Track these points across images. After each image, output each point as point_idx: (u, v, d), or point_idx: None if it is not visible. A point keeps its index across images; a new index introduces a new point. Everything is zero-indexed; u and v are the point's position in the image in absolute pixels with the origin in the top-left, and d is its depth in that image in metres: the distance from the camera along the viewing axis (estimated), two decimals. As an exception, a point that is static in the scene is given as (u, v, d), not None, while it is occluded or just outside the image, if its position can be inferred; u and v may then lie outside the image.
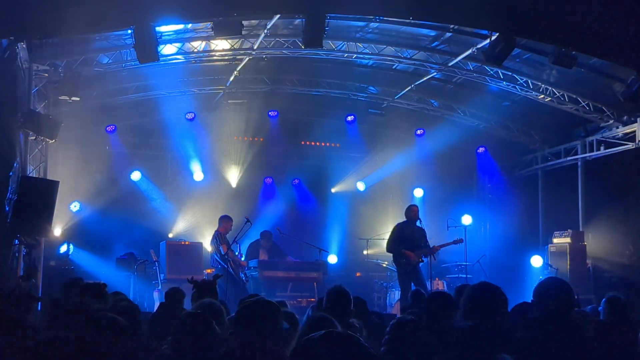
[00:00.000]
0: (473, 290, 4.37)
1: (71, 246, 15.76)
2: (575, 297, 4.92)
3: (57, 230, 15.90)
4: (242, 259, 15.44)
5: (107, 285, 7.27)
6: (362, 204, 19.81)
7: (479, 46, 14.04)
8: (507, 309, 4.27)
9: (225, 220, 15.21)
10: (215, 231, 15.11)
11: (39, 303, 11.02)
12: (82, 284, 7.65)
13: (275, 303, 4.33)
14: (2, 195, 11.12)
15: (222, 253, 14.69)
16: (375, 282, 17.65)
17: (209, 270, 15.55)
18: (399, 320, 5.07)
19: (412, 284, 14.08)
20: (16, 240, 11.60)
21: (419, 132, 19.48)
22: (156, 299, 14.61)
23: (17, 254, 11.88)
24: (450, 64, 15.50)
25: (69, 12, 10.58)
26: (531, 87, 15.79)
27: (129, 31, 12.33)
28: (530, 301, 4.94)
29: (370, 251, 17.71)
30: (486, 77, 15.87)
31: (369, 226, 19.03)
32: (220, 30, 12.49)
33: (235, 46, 14.93)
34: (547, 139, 18.77)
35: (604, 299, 6.66)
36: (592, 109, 16.04)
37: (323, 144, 19.93)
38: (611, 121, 16.13)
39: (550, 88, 15.76)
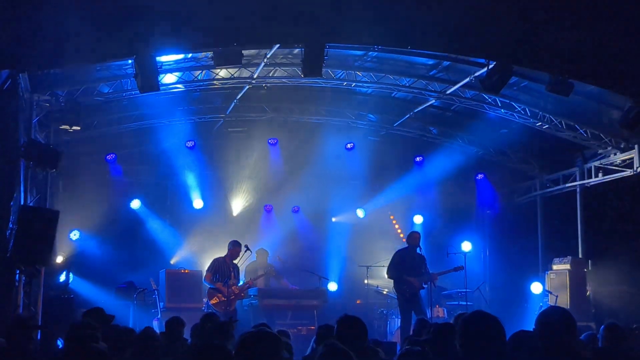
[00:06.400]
0: (468, 320, 4.38)
1: (71, 275, 15.76)
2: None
3: (57, 259, 15.89)
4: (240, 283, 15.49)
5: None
6: (362, 231, 19.82)
7: (476, 74, 14.14)
8: (504, 338, 4.28)
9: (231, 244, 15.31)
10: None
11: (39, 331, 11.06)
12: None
13: (277, 334, 4.36)
14: (3, 225, 11.15)
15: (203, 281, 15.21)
16: (376, 310, 17.61)
17: (207, 300, 15.53)
18: (407, 351, 5.07)
19: (413, 311, 14.11)
20: (17, 270, 11.60)
21: (418, 159, 19.56)
22: (156, 328, 14.55)
23: (17, 284, 11.87)
24: (448, 92, 15.60)
25: (70, 42, 10.66)
26: (529, 114, 15.88)
27: (130, 61, 12.43)
28: (530, 329, 4.96)
29: (370, 279, 17.69)
30: (484, 105, 15.96)
31: (369, 253, 19.00)
32: (221, 60, 12.60)
33: (235, 75, 15.04)
34: (545, 166, 18.84)
35: (602, 326, 6.67)
36: (589, 136, 16.12)
37: (323, 171, 19.99)
38: (609, 148, 16.21)
39: (547, 115, 15.84)
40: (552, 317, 4.58)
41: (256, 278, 15.90)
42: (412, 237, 14.60)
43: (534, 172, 19.13)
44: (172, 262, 17.86)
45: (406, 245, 14.84)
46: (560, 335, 4.48)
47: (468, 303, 16.40)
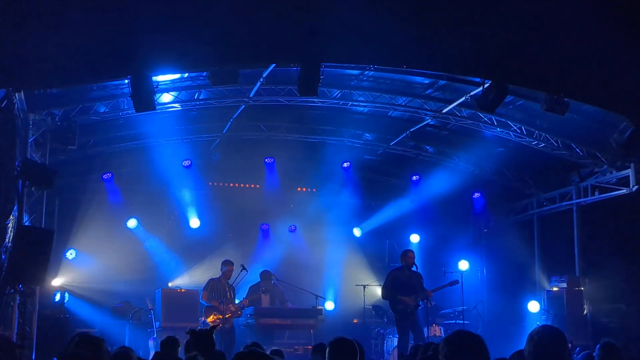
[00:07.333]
0: (449, 338, 4.34)
1: (66, 294, 15.72)
2: (569, 345, 4.90)
3: (53, 278, 15.84)
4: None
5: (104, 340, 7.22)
6: (359, 250, 19.80)
7: (472, 93, 14.16)
8: (487, 358, 4.24)
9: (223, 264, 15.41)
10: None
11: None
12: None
13: (267, 354, 4.33)
14: (-2, 244, 11.12)
15: (200, 300, 15.31)
16: (373, 329, 17.53)
17: (204, 318, 15.51)
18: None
19: (410, 330, 14.06)
20: (12, 289, 11.55)
21: (414, 178, 19.57)
22: (151, 348, 14.53)
23: (12, 303, 11.82)
24: (444, 111, 15.60)
25: (66, 62, 10.68)
26: (525, 133, 15.90)
27: (126, 81, 12.45)
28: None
29: (367, 298, 17.63)
30: (480, 124, 15.96)
31: (366, 272, 19.02)
32: (217, 80, 12.59)
33: (231, 94, 15.04)
34: (541, 184, 18.84)
35: (598, 345, 6.63)
36: (585, 155, 16.14)
37: (319, 190, 19.99)
38: (605, 166, 16.21)
39: (543, 134, 15.85)
40: (542, 335, 4.55)
41: (250, 295, 15.89)
42: (406, 256, 14.56)
43: (531, 191, 19.13)
44: (170, 284, 17.79)
45: (399, 265, 14.81)
46: (551, 354, 4.46)
47: (465, 322, 16.37)
